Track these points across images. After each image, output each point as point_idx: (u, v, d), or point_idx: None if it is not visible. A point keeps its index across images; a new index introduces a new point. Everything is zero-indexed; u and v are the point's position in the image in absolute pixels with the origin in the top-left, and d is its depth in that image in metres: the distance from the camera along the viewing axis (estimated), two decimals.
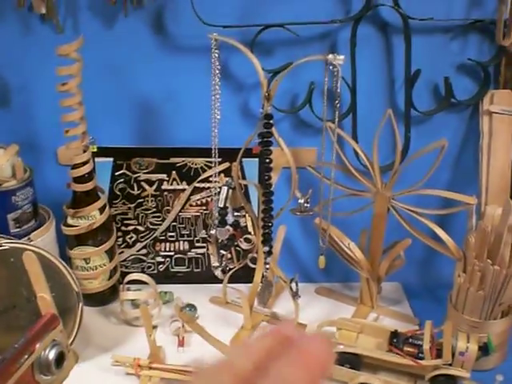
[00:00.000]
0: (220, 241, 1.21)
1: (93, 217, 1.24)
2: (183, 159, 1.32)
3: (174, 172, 1.33)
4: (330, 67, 1.04)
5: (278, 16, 1.20)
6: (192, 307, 1.27)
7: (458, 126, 1.32)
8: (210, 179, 1.26)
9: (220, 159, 1.23)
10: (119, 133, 1.31)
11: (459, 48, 1.27)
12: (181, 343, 1.20)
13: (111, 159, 1.32)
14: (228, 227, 1.20)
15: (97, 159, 1.30)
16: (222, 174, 1.29)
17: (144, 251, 1.39)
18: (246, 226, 1.34)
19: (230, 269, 1.27)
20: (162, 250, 1.39)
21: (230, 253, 1.35)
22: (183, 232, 1.37)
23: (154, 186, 1.34)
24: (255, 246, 1.24)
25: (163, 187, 1.34)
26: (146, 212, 1.36)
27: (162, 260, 1.39)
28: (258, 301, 1.29)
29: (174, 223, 1.37)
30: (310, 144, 1.31)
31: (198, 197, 1.35)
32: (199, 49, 1.22)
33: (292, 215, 1.19)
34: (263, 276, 1.25)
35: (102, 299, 1.32)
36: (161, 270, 1.40)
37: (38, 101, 1.29)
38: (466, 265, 1.15)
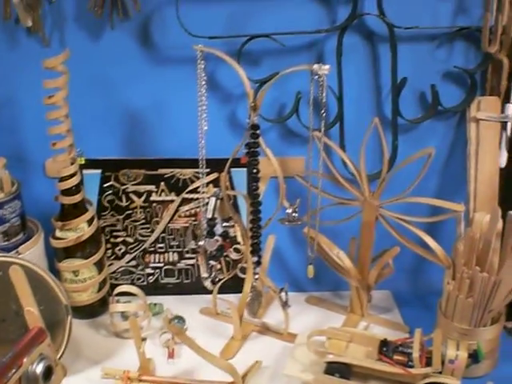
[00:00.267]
0: (209, 252, 1.21)
1: (81, 229, 1.23)
2: (171, 170, 1.32)
3: (162, 183, 1.33)
4: (316, 77, 1.04)
5: (264, 26, 1.21)
6: (180, 319, 1.27)
7: (445, 133, 1.32)
8: (199, 190, 1.26)
9: (208, 170, 1.23)
10: (107, 145, 1.31)
11: (445, 55, 1.27)
12: (171, 355, 1.20)
13: (99, 171, 1.32)
14: (217, 238, 1.20)
15: (85, 171, 1.30)
16: (211, 185, 1.30)
17: (133, 263, 1.38)
18: (235, 237, 1.34)
19: (220, 279, 1.27)
20: (152, 261, 1.38)
21: (220, 263, 1.35)
22: (172, 243, 1.37)
23: (143, 198, 1.34)
24: (245, 256, 1.24)
25: (152, 198, 1.34)
26: (135, 223, 1.36)
27: (152, 271, 1.39)
28: (247, 311, 1.29)
29: (163, 234, 1.36)
30: (297, 153, 1.31)
31: (186, 208, 1.34)
32: (186, 60, 1.22)
33: (281, 225, 1.19)
34: (253, 286, 1.25)
35: (91, 312, 1.32)
36: (150, 281, 1.39)
37: (25, 113, 1.29)
38: (454, 272, 1.15)
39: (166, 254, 1.38)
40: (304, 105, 1.24)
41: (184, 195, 1.33)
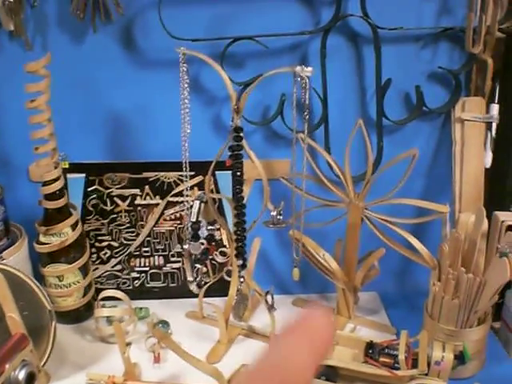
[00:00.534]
0: (194, 255, 1.20)
1: (65, 234, 1.23)
2: (156, 173, 1.31)
3: (147, 187, 1.32)
4: (299, 79, 1.04)
5: (247, 28, 1.20)
6: (165, 323, 1.26)
7: (430, 134, 1.32)
8: (184, 193, 1.25)
9: (193, 173, 1.23)
10: (91, 148, 1.30)
11: (430, 56, 1.27)
12: (156, 359, 1.19)
13: (83, 175, 1.31)
14: (202, 241, 1.20)
15: (69, 175, 1.29)
16: (196, 188, 1.29)
17: (119, 267, 1.37)
18: (221, 240, 1.33)
19: (206, 283, 1.26)
20: (137, 265, 1.38)
21: (206, 266, 1.35)
22: (158, 247, 1.36)
23: (127, 201, 1.33)
24: (230, 259, 1.23)
25: (136, 202, 1.33)
26: (120, 227, 1.35)
27: (137, 275, 1.38)
28: (233, 314, 1.28)
29: (149, 238, 1.36)
30: (282, 155, 1.30)
31: (171, 211, 1.34)
32: (169, 63, 1.21)
33: (266, 228, 1.19)
34: (238, 289, 1.24)
35: (76, 316, 1.31)
36: (136, 285, 1.39)
37: (8, 117, 1.28)
38: (440, 273, 1.15)
39: (151, 258, 1.37)
40: (289, 107, 1.24)
41: (169, 198, 1.33)
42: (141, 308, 1.32)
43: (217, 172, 1.28)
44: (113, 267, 1.37)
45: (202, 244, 1.20)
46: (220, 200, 1.31)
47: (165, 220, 1.34)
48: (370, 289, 1.39)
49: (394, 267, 1.41)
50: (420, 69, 1.28)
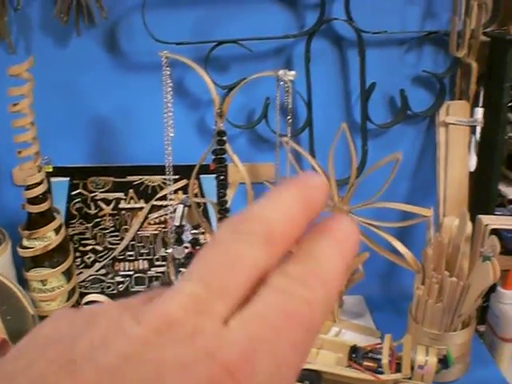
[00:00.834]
0: (177, 259, 1.20)
1: (48, 238, 1.22)
2: (140, 177, 1.31)
3: (131, 190, 1.32)
4: (282, 83, 1.04)
5: (231, 32, 1.20)
6: None
7: (414, 137, 1.33)
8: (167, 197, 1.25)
9: (177, 176, 1.23)
10: (75, 152, 1.30)
11: (414, 60, 1.27)
12: None
13: (67, 179, 1.31)
14: (186, 245, 1.19)
15: (52, 179, 1.28)
16: (181, 192, 1.29)
17: (103, 271, 1.37)
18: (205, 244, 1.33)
19: None
20: (122, 269, 1.37)
21: None
22: (142, 251, 1.36)
23: (112, 205, 1.33)
24: None
25: (121, 206, 1.33)
26: (104, 231, 1.34)
27: (122, 280, 1.38)
28: None
29: (133, 242, 1.35)
30: (267, 159, 1.30)
31: (156, 215, 1.33)
32: (153, 66, 1.21)
33: None
34: None
35: None
36: (121, 289, 1.38)
37: None
38: (424, 277, 1.15)
39: (135, 262, 1.37)
40: (273, 110, 1.24)
41: (153, 202, 1.32)
42: None
43: (201, 176, 1.28)
44: (97, 271, 1.37)
45: (186, 248, 1.19)
46: (205, 204, 1.31)
47: (149, 224, 1.34)
48: (356, 292, 1.38)
49: (380, 271, 1.41)
50: (404, 72, 1.28)
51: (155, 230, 1.34)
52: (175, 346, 0.24)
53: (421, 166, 1.34)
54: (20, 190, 1.24)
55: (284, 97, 1.05)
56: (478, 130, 1.26)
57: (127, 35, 1.22)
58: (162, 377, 0.23)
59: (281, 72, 1.02)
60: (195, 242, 1.21)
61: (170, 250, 1.19)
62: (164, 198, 1.31)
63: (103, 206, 1.33)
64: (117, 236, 1.35)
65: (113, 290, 1.38)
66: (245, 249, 0.27)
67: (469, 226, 1.12)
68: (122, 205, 1.33)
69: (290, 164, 1.16)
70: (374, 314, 1.36)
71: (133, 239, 1.35)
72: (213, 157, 1.11)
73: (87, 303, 1.26)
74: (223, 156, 1.10)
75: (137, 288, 1.38)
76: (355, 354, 1.08)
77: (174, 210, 1.18)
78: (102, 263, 1.36)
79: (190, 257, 1.20)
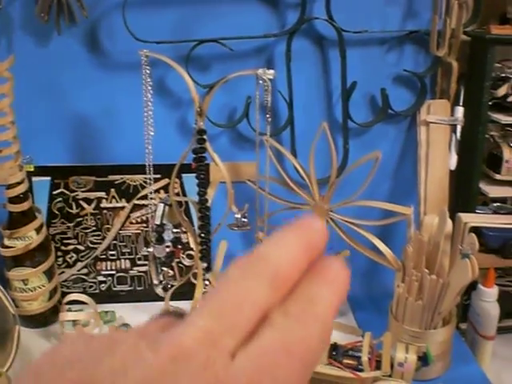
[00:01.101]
0: (158, 258, 1.20)
1: (29, 237, 1.22)
2: (121, 176, 1.31)
3: (112, 190, 1.32)
4: (261, 81, 1.04)
5: (213, 31, 1.20)
6: (127, 326, 1.25)
7: (396, 136, 1.33)
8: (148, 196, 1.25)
9: (159, 175, 1.23)
10: (56, 151, 1.30)
11: (395, 59, 1.28)
12: None
13: (49, 178, 1.30)
14: (167, 244, 1.19)
15: (34, 178, 1.28)
16: (162, 191, 1.29)
17: (85, 271, 1.36)
18: (188, 243, 1.33)
19: (172, 286, 1.26)
20: (104, 268, 1.37)
21: (172, 269, 1.34)
22: (124, 250, 1.36)
23: (93, 205, 1.32)
24: (195, 262, 1.23)
25: (102, 205, 1.33)
26: (86, 231, 1.34)
27: (104, 279, 1.37)
28: None
29: (115, 241, 1.35)
30: (249, 158, 1.30)
31: (138, 214, 1.33)
32: (134, 65, 1.20)
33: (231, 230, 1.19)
34: (205, 292, 1.24)
35: (42, 320, 1.30)
36: (103, 289, 1.38)
37: None
38: (404, 275, 1.15)
39: (117, 262, 1.36)
40: (255, 109, 1.24)
41: (135, 201, 1.32)
42: (106, 312, 1.31)
43: (183, 175, 1.28)
44: (79, 271, 1.36)
45: (168, 247, 1.19)
46: (187, 203, 1.31)
47: (131, 223, 1.34)
48: None
49: (362, 269, 1.41)
50: (385, 72, 1.28)
51: (137, 229, 1.34)
52: (189, 375, 0.27)
53: (402, 164, 1.35)
54: (1, 190, 1.24)
55: (263, 96, 1.06)
56: (459, 128, 1.26)
57: (108, 34, 1.22)
58: None
59: (260, 71, 1.02)
60: (176, 241, 1.21)
61: (151, 249, 1.19)
62: (146, 197, 1.31)
63: (85, 205, 1.32)
64: (98, 235, 1.34)
65: (95, 289, 1.38)
66: (253, 290, 0.30)
67: (449, 224, 1.12)
68: (104, 204, 1.32)
69: (270, 162, 1.16)
70: (356, 313, 1.37)
71: (115, 238, 1.35)
72: (193, 156, 1.11)
73: (69, 303, 1.26)
74: (203, 155, 1.10)
75: (119, 287, 1.38)
76: (335, 352, 1.09)
77: (155, 209, 1.18)
78: (84, 263, 1.36)
79: (171, 256, 1.20)
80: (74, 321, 1.27)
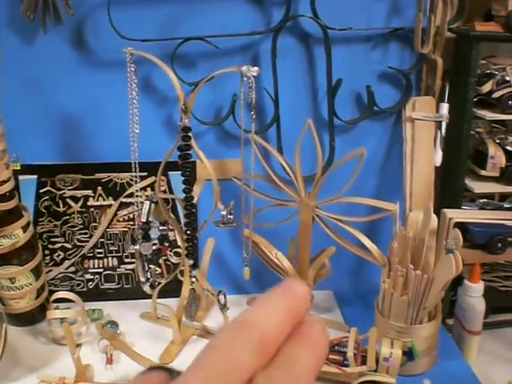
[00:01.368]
0: (145, 256, 1.20)
1: (16, 235, 1.22)
2: (108, 174, 1.31)
3: (99, 188, 1.32)
4: (245, 79, 1.04)
5: (198, 29, 1.20)
6: (113, 324, 1.26)
7: (382, 133, 1.34)
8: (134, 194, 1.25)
9: (146, 173, 1.23)
10: (43, 150, 1.30)
11: (380, 56, 1.28)
12: (109, 361, 1.18)
13: (35, 176, 1.30)
14: (154, 242, 1.20)
15: (21, 177, 1.28)
16: (149, 189, 1.29)
17: (72, 269, 1.37)
18: (175, 240, 1.33)
19: (159, 283, 1.26)
20: (91, 266, 1.37)
21: (159, 267, 1.34)
22: (111, 248, 1.36)
23: (80, 203, 1.33)
24: (182, 259, 1.23)
25: (89, 203, 1.33)
26: (73, 229, 1.34)
27: (91, 277, 1.38)
28: (185, 315, 1.28)
29: (102, 239, 1.35)
30: (235, 155, 1.31)
31: (125, 212, 1.33)
32: (120, 63, 1.20)
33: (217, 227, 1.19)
34: (192, 289, 1.24)
35: (30, 319, 1.30)
36: (90, 287, 1.38)
37: None
38: (390, 271, 1.16)
39: (105, 259, 1.37)
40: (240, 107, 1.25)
41: (122, 199, 1.32)
42: (93, 309, 1.31)
43: (170, 172, 1.28)
44: (66, 269, 1.37)
45: (154, 244, 1.20)
46: (174, 200, 1.31)
47: (118, 221, 1.34)
48: (325, 287, 1.39)
49: (349, 265, 1.42)
50: (370, 69, 1.29)
51: (124, 227, 1.35)
52: None
53: (388, 161, 1.35)
54: None
55: (248, 93, 1.06)
56: (444, 125, 1.27)
57: (94, 32, 1.22)
58: None
59: (244, 68, 1.03)
60: (163, 239, 1.21)
61: (137, 247, 1.19)
62: (132, 195, 1.31)
63: (72, 203, 1.32)
64: (86, 233, 1.35)
65: (82, 287, 1.38)
66: (240, 357, 0.31)
67: (433, 219, 1.13)
68: (91, 202, 1.33)
69: (256, 159, 1.17)
70: (343, 309, 1.38)
71: (102, 236, 1.35)
72: (178, 153, 1.11)
73: (56, 301, 1.26)
74: (189, 152, 1.10)
75: (106, 285, 1.38)
76: None
77: (141, 207, 1.18)
78: (72, 261, 1.36)
79: (157, 253, 1.21)
80: (61, 319, 1.27)
